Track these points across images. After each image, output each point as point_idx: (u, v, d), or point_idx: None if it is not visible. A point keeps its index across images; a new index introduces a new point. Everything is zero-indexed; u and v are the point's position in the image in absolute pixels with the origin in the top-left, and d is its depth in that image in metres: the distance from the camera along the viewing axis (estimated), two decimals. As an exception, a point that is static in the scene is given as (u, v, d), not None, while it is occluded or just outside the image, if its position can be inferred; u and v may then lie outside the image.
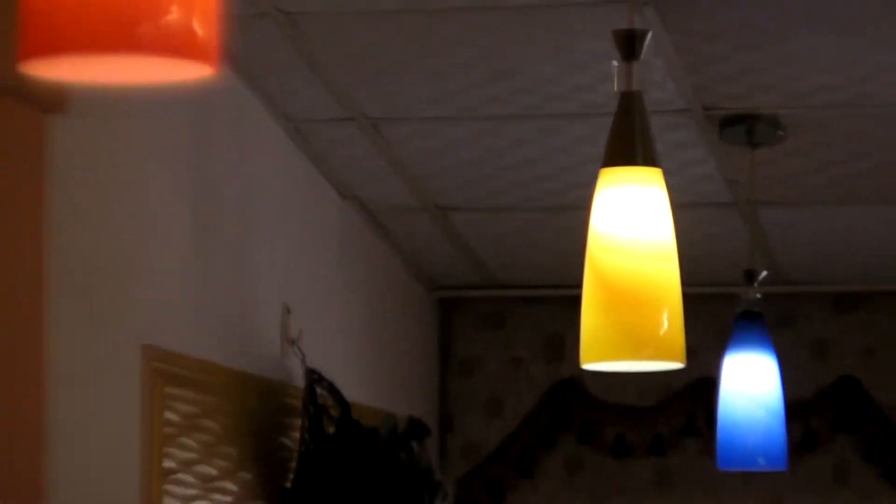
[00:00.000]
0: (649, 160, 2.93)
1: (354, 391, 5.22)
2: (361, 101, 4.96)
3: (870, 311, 6.13)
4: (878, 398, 5.89)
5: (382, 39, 4.79)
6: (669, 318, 2.87)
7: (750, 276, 4.95)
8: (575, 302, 2.94)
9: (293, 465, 5.00)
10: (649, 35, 3.00)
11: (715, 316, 5.40)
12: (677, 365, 2.95)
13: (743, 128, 4.88)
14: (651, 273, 2.89)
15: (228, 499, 4.75)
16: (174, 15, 1.44)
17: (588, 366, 2.94)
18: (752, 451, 4.93)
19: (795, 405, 5.36)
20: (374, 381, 5.77)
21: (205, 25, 1.44)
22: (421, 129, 5.24)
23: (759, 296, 4.97)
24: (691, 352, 4.00)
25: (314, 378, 4.95)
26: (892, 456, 5.94)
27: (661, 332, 2.87)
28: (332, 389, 4.97)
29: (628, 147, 2.97)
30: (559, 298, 4.28)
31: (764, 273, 5.01)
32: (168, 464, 4.51)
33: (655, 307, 2.90)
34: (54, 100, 3.90)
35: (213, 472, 4.70)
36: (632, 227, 2.90)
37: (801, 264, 5.99)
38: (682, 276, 2.91)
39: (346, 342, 5.71)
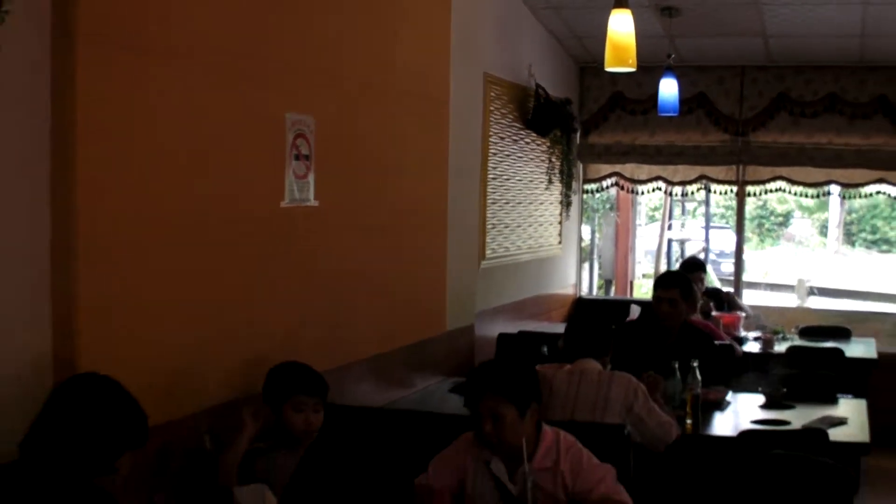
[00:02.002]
0: (625, 7, 5.58)
1: (550, 89, 8.21)
2: (552, -1, 7.63)
3: (718, 74, 9.19)
4: (713, 99, 9.19)
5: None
6: (631, 60, 5.54)
7: (668, 56, 8.13)
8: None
9: (530, 114, 8.10)
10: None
11: (656, 71, 8.23)
12: (633, 69, 5.58)
13: (668, 10, 7.67)
14: (626, 46, 5.54)
15: (509, 120, 7.66)
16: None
17: (609, 69, 5.59)
18: (670, 108, 8.11)
19: (684, 100, 8.71)
20: (556, 88, 8.51)
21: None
22: (572, 11, 7.85)
23: (672, 65, 8.11)
24: (651, 81, 8.76)
25: (538, 85, 8.04)
26: (722, 122, 8.94)
27: (630, 61, 5.56)
28: (544, 90, 8.09)
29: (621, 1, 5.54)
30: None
31: (673, 56, 8.18)
32: (491, 107, 7.32)
33: (629, 54, 5.52)
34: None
35: (506, 112, 7.64)
36: (619, 27, 5.54)
37: (688, 55, 8.74)
38: (639, 55, 5.55)
39: (547, 74, 8.29)
